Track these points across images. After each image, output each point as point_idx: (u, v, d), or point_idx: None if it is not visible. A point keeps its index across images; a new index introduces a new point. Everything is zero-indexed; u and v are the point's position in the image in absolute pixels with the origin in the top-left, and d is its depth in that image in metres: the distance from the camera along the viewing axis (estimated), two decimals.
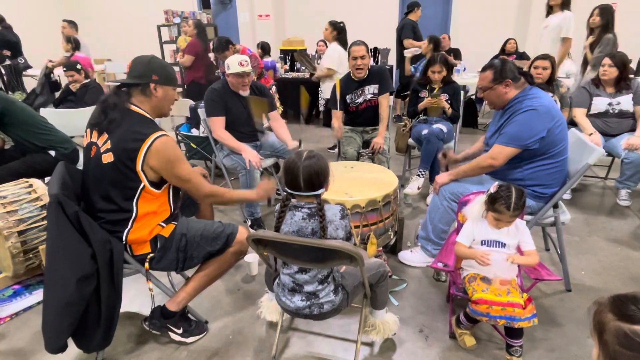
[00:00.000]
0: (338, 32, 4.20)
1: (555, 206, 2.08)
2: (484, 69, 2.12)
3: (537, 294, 2.12)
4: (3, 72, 6.18)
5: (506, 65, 2.05)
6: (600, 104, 3.15)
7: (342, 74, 4.08)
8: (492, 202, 1.63)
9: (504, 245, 1.69)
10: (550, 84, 3.20)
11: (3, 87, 5.90)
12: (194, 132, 3.82)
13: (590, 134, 3.05)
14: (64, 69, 3.95)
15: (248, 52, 4.20)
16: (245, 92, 2.85)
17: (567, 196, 3.31)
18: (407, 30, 5.31)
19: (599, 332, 0.79)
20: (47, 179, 2.57)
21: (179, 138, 3.67)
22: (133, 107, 1.64)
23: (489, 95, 2.11)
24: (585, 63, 4.09)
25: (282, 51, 6.74)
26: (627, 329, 0.74)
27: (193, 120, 3.91)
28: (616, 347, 0.75)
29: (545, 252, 2.55)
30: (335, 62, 4.13)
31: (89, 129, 1.67)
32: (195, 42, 4.90)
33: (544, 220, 2.12)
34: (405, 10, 5.56)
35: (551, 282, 2.20)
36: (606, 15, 3.83)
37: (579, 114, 3.20)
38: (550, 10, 4.14)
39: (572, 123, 3.25)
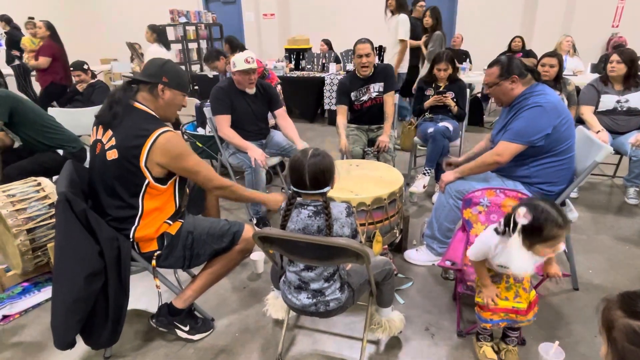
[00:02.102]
0: (158, 34, 4.60)
1: (563, 204, 2.06)
2: (490, 65, 2.11)
3: (544, 292, 2.11)
4: (12, 72, 6.24)
5: (513, 62, 2.04)
6: (608, 101, 3.12)
7: None
8: (538, 233, 1.31)
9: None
10: (558, 81, 3.18)
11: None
12: (200, 131, 3.83)
13: (598, 132, 3.02)
14: (71, 68, 3.99)
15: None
16: (252, 90, 2.86)
17: (574, 194, 3.29)
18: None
19: (607, 330, 0.79)
20: (55, 177, 2.60)
21: (185, 137, 3.69)
22: (137, 104, 1.65)
23: (495, 92, 2.10)
24: (423, 58, 4.57)
25: (287, 50, 6.74)
26: (636, 326, 0.74)
27: (198, 119, 3.93)
28: (625, 344, 0.74)
29: None
30: None
31: (95, 126, 1.69)
32: (51, 43, 4.86)
33: None
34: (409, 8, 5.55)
35: (559, 280, 2.19)
36: (435, 15, 4.34)
37: (587, 111, 3.17)
38: (391, 13, 4.54)
39: (580, 121, 3.22)
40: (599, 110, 3.16)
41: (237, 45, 4.60)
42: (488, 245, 1.47)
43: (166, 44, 4.73)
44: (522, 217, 1.31)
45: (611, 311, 0.78)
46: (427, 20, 4.37)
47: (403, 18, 4.41)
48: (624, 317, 0.76)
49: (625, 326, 0.75)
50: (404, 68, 4.67)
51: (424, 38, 4.49)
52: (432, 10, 4.35)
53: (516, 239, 1.35)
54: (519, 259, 1.38)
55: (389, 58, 4.69)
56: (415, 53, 5.38)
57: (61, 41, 5.02)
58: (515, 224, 1.33)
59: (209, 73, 5.00)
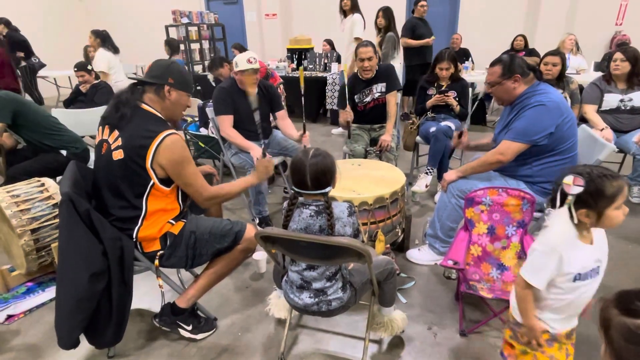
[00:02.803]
0: (102, 39, 4.71)
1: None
2: (492, 64, 2.10)
3: None
4: (19, 74, 6.26)
5: (515, 61, 2.03)
6: (611, 100, 3.11)
7: (115, 74, 4.62)
8: (601, 194, 1.09)
9: (598, 269, 1.20)
10: (561, 80, 3.16)
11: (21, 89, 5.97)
12: (203, 131, 3.84)
13: (602, 129, 3.00)
14: (75, 69, 4.01)
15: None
16: (254, 90, 2.86)
17: None
18: (404, 29, 5.35)
19: (604, 329, 0.79)
20: (58, 178, 2.61)
21: (188, 137, 3.70)
22: (144, 106, 1.66)
23: (497, 91, 2.09)
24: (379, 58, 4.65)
25: (289, 50, 6.74)
26: (631, 324, 0.74)
27: (201, 119, 3.94)
28: (621, 343, 0.74)
29: None
30: (104, 66, 4.62)
31: (100, 126, 1.70)
32: None
33: None
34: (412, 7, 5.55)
35: None
36: (388, 16, 4.43)
37: (590, 110, 3.16)
38: (344, 13, 4.68)
39: (583, 120, 3.21)
40: (602, 109, 3.15)
41: (174, 47, 4.87)
42: (556, 252, 1.15)
43: (114, 48, 4.79)
44: (574, 185, 1.08)
45: (607, 310, 0.79)
46: (380, 21, 4.45)
47: (357, 17, 4.55)
48: (619, 316, 0.76)
49: (620, 324, 0.75)
50: None
51: (378, 38, 4.59)
52: (384, 11, 4.43)
53: (564, 212, 1.13)
54: (560, 238, 1.14)
55: (345, 57, 4.82)
56: (419, 52, 5.39)
57: (5, 45, 4.92)
58: (565, 197, 1.12)
59: (211, 78, 5.08)
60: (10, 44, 6.11)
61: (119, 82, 4.63)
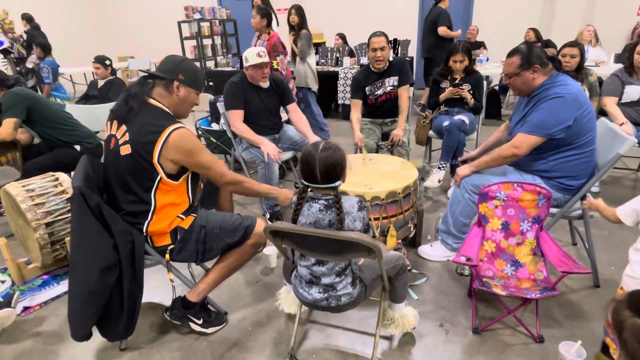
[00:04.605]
0: None
1: (583, 198, 2.00)
2: (510, 54, 2.04)
3: (564, 289, 2.06)
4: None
5: (533, 51, 1.97)
6: (633, 92, 3.00)
7: None
8: None
9: None
10: (579, 72, 3.07)
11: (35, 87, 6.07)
12: (214, 126, 3.85)
13: (622, 124, 2.91)
14: (94, 60, 4.08)
15: (275, 40, 4.24)
16: (265, 84, 2.85)
17: (595, 189, 3.19)
18: (444, 18, 5.28)
19: (617, 331, 0.76)
20: (72, 173, 2.65)
21: (199, 132, 3.72)
22: (152, 101, 1.66)
23: (515, 82, 2.03)
24: (294, 55, 4.76)
25: None
26: None
27: (213, 114, 3.96)
28: (635, 345, 0.72)
29: (572, 247, 2.47)
30: None
31: (109, 120, 1.71)
32: None
33: (571, 213, 2.05)
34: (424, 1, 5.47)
35: (579, 277, 2.13)
36: (300, 14, 4.59)
37: (610, 102, 3.06)
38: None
39: (602, 113, 3.11)
40: (623, 102, 3.05)
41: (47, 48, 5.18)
42: None
43: None
44: None
45: (620, 312, 0.76)
46: (293, 19, 4.57)
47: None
48: (632, 317, 0.73)
49: (633, 326, 0.73)
50: None
51: (291, 36, 4.71)
52: (297, 9, 4.59)
53: None
54: None
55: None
56: (449, 44, 5.32)
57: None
58: None
59: (225, 68, 5.01)
60: (28, 42, 6.22)
61: None
